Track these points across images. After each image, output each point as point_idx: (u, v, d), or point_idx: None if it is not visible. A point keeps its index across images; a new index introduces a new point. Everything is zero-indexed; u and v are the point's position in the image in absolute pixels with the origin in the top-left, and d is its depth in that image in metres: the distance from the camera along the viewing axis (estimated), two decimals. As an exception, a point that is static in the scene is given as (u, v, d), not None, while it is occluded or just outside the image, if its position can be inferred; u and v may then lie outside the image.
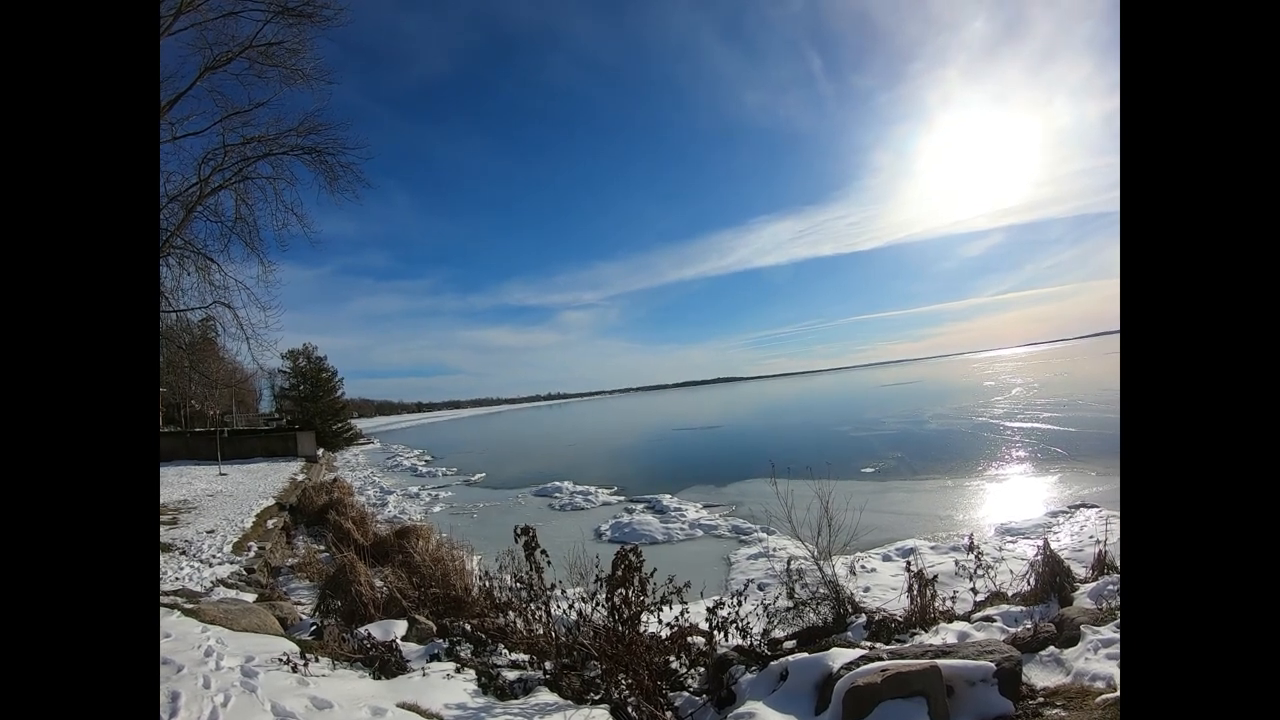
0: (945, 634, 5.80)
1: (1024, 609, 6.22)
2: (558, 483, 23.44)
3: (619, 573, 5.70)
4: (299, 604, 8.83)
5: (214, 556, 10.76)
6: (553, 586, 6.49)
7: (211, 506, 16.00)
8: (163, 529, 12.39)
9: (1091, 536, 9.58)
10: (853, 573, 9.51)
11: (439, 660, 5.88)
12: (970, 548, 7.38)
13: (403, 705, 4.58)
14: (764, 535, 13.45)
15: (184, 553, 10.76)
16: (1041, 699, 4.12)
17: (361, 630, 6.42)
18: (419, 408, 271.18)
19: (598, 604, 5.88)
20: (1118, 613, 5.13)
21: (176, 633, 5.70)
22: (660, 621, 5.81)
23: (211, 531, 12.76)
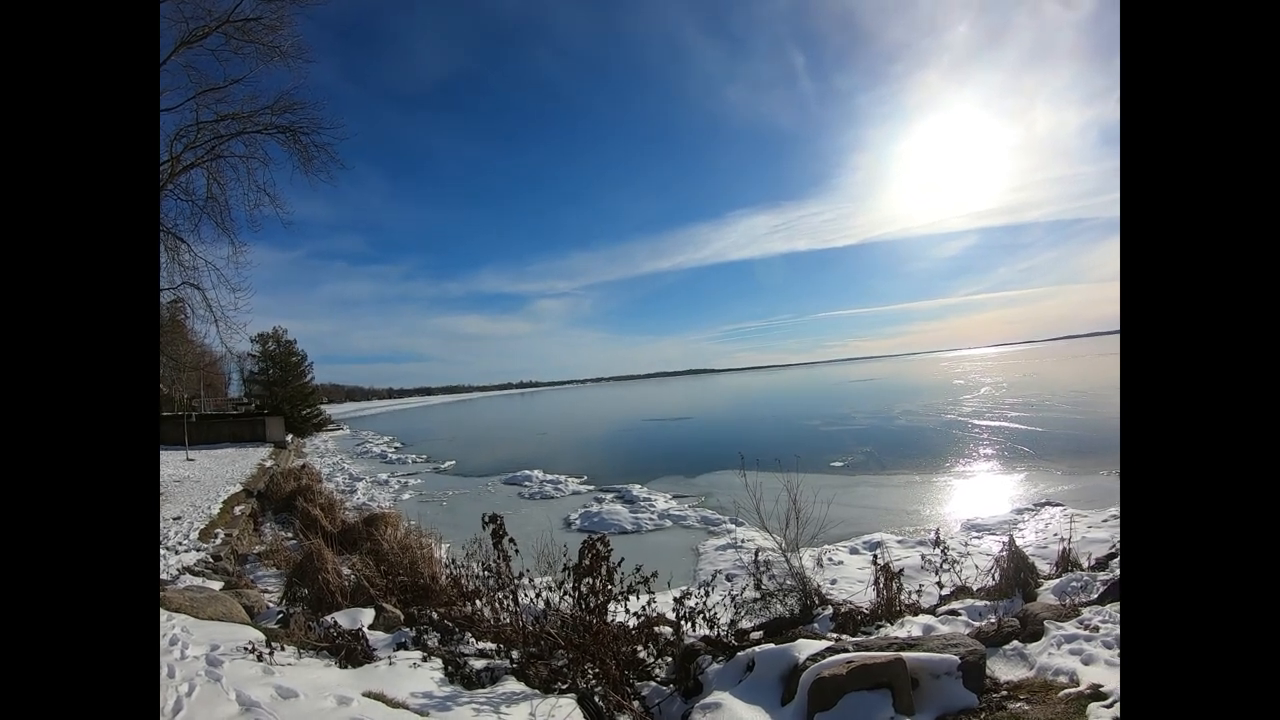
0: (911, 627, 5.86)
1: (989, 604, 6.29)
2: (528, 471, 23.34)
3: (586, 562, 5.69)
4: (266, 592, 8.76)
5: (180, 544, 10.65)
6: (520, 575, 6.47)
7: (178, 493, 15.83)
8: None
9: (1056, 534, 9.72)
10: (820, 565, 9.60)
11: (406, 649, 5.84)
12: (936, 542, 7.45)
13: (369, 694, 4.55)
14: (732, 526, 13.52)
15: (148, 538, 10.64)
16: (1005, 692, 4.17)
17: (328, 618, 6.36)
18: (390, 394, 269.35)
19: (565, 593, 5.87)
20: (1081, 609, 5.22)
21: (139, 619, 5.62)
22: (628, 611, 5.81)
23: (178, 518, 12.62)
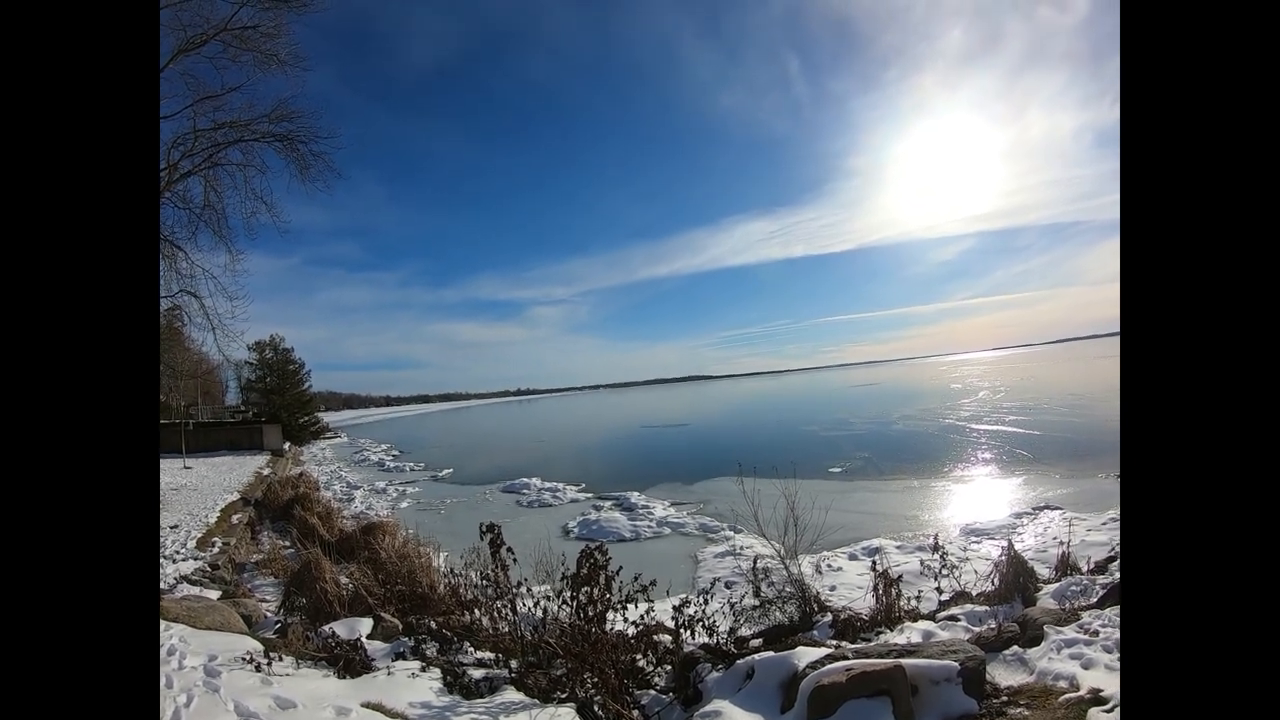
0: (910, 633, 5.85)
1: (988, 609, 6.28)
2: (526, 479, 23.24)
3: (584, 571, 5.69)
4: (263, 601, 8.73)
5: (177, 553, 10.59)
6: (519, 584, 6.46)
7: (176, 501, 15.76)
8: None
9: (1055, 538, 9.71)
10: (819, 571, 9.59)
11: (404, 659, 5.83)
12: (935, 547, 7.45)
13: (367, 705, 4.53)
14: (731, 534, 13.48)
15: (145, 548, 10.60)
16: (1005, 698, 4.16)
17: (326, 628, 6.34)
18: (387, 401, 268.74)
19: (564, 602, 5.86)
20: (1080, 613, 5.21)
21: (136, 629, 5.60)
22: (626, 620, 5.80)
23: (175, 527, 12.56)
